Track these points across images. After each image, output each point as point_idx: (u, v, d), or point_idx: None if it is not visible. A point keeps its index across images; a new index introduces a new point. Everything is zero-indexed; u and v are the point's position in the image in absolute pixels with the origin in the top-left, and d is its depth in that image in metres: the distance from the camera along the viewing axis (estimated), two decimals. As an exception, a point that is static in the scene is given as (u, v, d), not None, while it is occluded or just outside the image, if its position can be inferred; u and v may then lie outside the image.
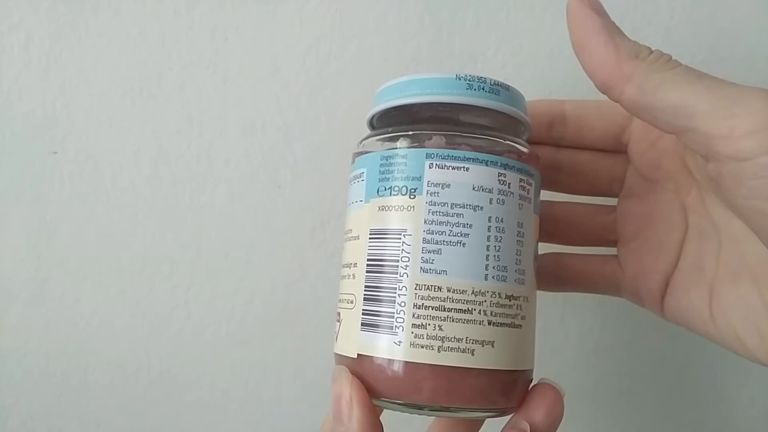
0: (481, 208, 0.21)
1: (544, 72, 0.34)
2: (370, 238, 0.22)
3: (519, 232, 0.22)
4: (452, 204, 0.21)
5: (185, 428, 0.35)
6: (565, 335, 0.35)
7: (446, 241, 0.21)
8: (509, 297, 0.22)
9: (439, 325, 0.21)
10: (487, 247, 0.21)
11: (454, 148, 0.22)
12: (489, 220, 0.22)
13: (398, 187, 0.22)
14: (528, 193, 0.23)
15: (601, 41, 0.21)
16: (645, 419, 0.36)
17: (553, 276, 0.28)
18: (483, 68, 0.34)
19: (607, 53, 0.21)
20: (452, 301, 0.21)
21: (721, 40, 0.34)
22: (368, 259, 0.22)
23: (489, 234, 0.21)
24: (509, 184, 0.22)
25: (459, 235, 0.21)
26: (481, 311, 0.21)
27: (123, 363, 0.34)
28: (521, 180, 0.22)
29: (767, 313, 0.22)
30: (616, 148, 0.28)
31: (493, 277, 0.21)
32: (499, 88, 0.23)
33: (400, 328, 0.21)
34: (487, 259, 0.21)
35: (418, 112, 0.23)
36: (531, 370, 0.23)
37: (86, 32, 0.33)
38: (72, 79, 0.33)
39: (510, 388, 0.22)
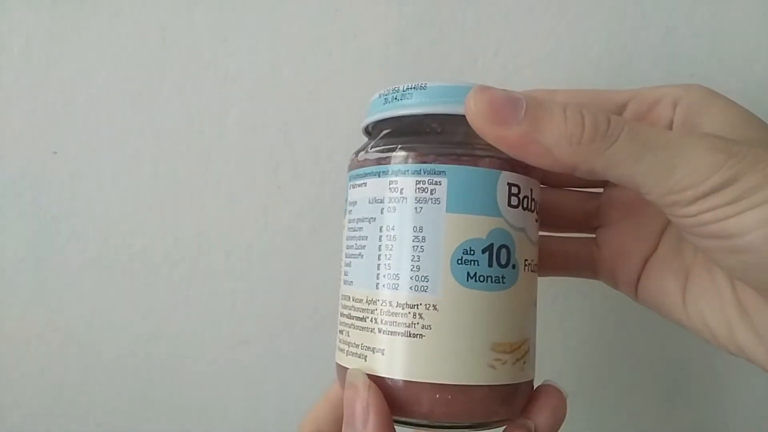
0: (374, 219, 0.22)
1: (544, 72, 0.34)
2: None
3: (416, 237, 0.21)
4: (357, 219, 0.23)
5: (185, 428, 0.35)
6: (565, 335, 0.35)
7: (353, 254, 0.23)
8: (403, 305, 0.21)
9: (347, 331, 0.23)
10: (379, 256, 0.22)
11: (360, 167, 0.23)
12: (380, 230, 0.22)
13: (342, 210, 0.25)
14: (432, 194, 0.22)
15: (530, 151, 0.20)
16: (645, 419, 0.36)
17: None
18: (483, 69, 0.34)
19: (540, 157, 0.20)
20: (354, 309, 0.22)
21: (721, 40, 0.34)
22: None
23: (381, 243, 0.22)
24: (401, 189, 0.22)
25: (360, 248, 0.23)
26: (373, 319, 0.22)
27: (123, 363, 0.34)
28: (419, 182, 0.22)
29: (737, 305, 0.22)
30: None
31: (384, 285, 0.22)
32: (413, 92, 0.23)
33: (337, 334, 0.24)
34: (379, 269, 0.22)
35: (369, 135, 0.25)
36: (462, 386, 0.21)
37: (86, 32, 0.33)
38: (72, 79, 0.33)
39: (408, 397, 0.21)
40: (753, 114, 0.23)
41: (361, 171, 0.23)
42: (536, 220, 0.23)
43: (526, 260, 0.22)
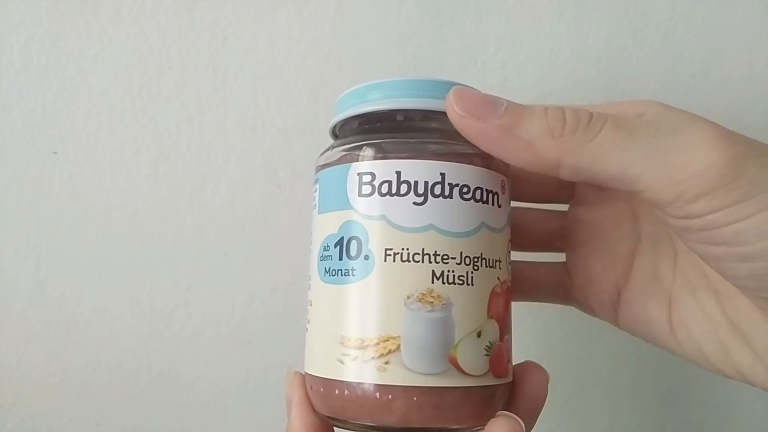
0: None
1: (543, 72, 0.34)
2: None
3: (311, 241, 0.23)
4: None
5: (185, 428, 0.35)
6: (565, 335, 0.35)
7: None
8: (307, 303, 0.23)
9: None
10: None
11: None
12: None
13: None
14: (313, 200, 0.24)
15: (509, 145, 0.20)
16: (645, 419, 0.36)
17: None
18: (483, 68, 0.34)
19: (521, 151, 0.20)
20: None
21: (721, 40, 0.34)
22: None
23: None
24: (312, 200, 0.24)
25: None
26: None
27: (123, 363, 0.34)
28: (314, 190, 0.24)
29: (729, 326, 0.22)
30: None
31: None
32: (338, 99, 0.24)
33: None
34: None
35: None
36: (319, 378, 0.22)
37: (86, 32, 0.33)
38: (72, 79, 0.33)
39: (309, 388, 0.23)
40: (720, 125, 0.22)
41: None
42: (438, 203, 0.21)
43: (388, 249, 0.20)
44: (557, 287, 0.27)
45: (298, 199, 0.34)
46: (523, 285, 0.26)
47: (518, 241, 0.26)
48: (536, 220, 0.28)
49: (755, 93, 0.34)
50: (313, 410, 0.22)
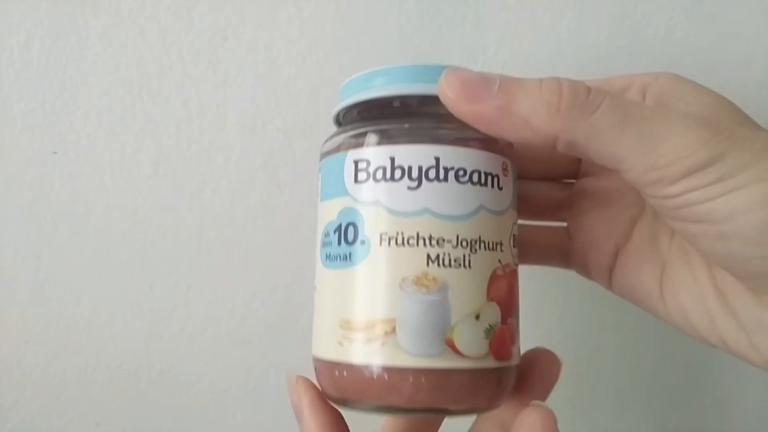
0: None
1: (543, 72, 0.33)
2: None
3: (317, 229, 0.24)
4: None
5: (185, 428, 0.35)
6: (565, 335, 0.35)
7: None
8: (312, 288, 0.24)
9: None
10: None
11: None
12: None
13: None
14: (318, 189, 0.24)
15: (506, 124, 0.20)
16: (645, 419, 0.36)
17: None
18: (483, 68, 0.33)
19: (519, 129, 0.20)
20: None
21: (720, 40, 0.34)
22: None
23: None
24: (317, 188, 0.24)
25: None
26: None
27: (123, 363, 0.34)
28: (318, 179, 0.24)
29: (717, 295, 0.22)
30: None
31: None
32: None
33: None
34: None
35: None
36: (323, 360, 0.22)
37: (86, 32, 0.33)
38: (72, 79, 0.33)
39: (320, 376, 0.23)
40: (726, 98, 0.22)
41: None
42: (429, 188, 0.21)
43: (383, 234, 0.21)
44: (556, 250, 0.27)
45: (298, 199, 0.34)
46: (522, 248, 0.26)
47: (523, 210, 0.26)
48: (543, 190, 0.28)
49: (755, 93, 0.34)
50: (326, 410, 0.22)
